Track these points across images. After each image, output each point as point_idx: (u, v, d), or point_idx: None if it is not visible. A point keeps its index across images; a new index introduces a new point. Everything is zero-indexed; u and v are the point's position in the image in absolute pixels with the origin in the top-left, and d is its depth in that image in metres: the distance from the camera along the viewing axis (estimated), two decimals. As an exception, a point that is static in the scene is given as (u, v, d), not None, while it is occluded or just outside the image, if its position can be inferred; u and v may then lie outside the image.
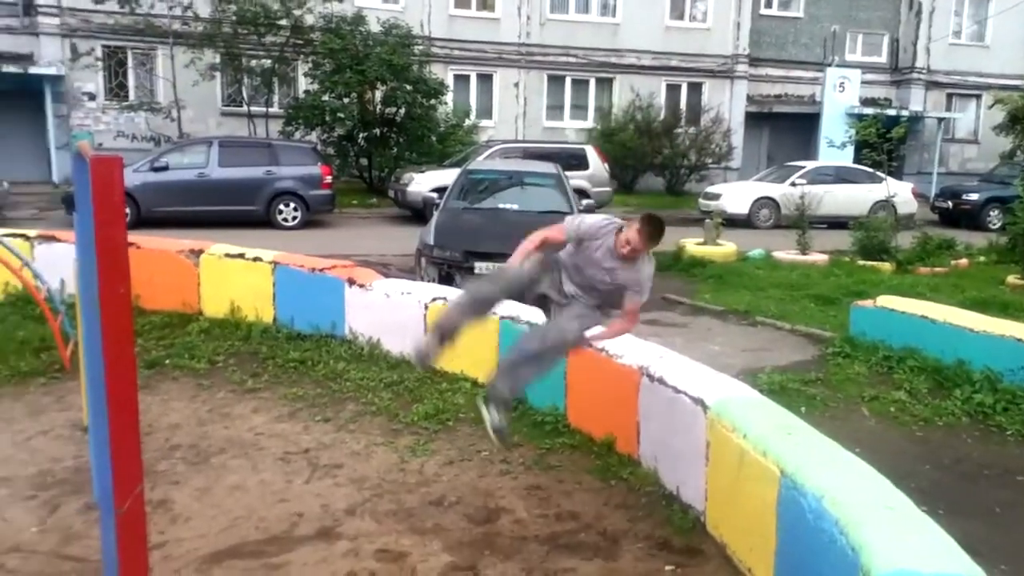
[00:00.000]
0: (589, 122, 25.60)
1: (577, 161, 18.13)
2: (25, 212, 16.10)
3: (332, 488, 4.71)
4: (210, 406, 5.95)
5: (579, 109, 26.03)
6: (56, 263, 7.38)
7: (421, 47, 21.90)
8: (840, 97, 26.09)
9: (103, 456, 3.16)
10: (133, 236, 6.35)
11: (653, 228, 4.15)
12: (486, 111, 24.96)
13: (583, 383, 5.47)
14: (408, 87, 19.94)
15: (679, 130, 24.70)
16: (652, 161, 24.29)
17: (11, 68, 20.18)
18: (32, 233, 8.61)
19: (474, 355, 6.33)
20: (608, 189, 19.29)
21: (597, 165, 18.94)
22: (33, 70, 20.44)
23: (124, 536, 2.59)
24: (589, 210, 12.16)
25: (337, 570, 3.87)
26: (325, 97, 19.73)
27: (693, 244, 12.99)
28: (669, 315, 9.52)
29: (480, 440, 5.25)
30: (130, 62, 22.11)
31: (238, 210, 15.53)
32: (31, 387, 6.18)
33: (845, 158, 21.76)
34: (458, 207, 10.69)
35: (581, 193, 14.40)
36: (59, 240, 8.25)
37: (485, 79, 25.07)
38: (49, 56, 20.88)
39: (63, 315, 6.67)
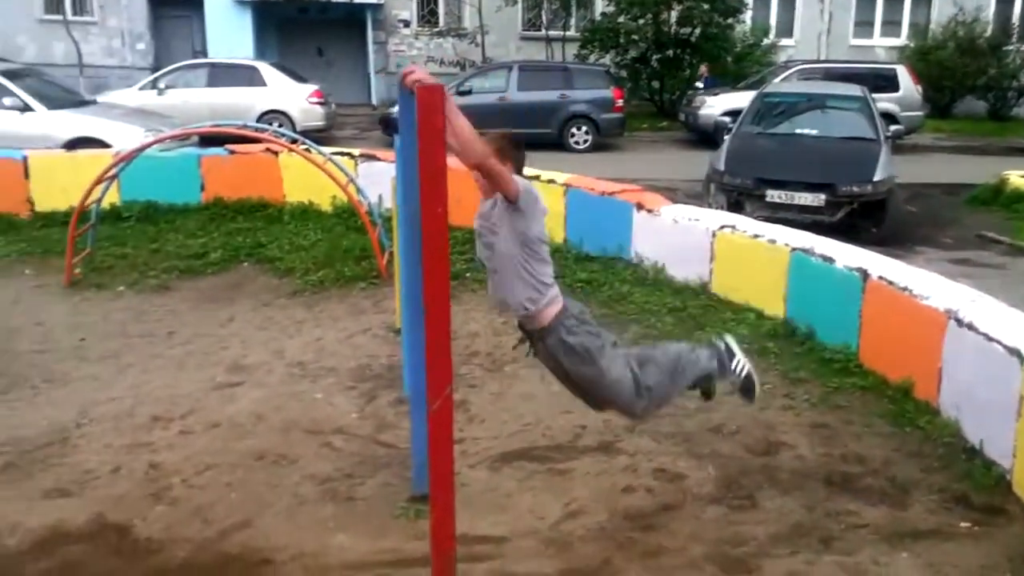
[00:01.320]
0: (902, 39, 23.39)
1: (886, 83, 16.69)
2: (348, 132, 17.78)
3: (614, 405, 4.89)
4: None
5: (891, 25, 23.83)
6: (376, 180, 8.15)
7: (721, -38, 21.04)
8: None
9: (416, 356, 3.52)
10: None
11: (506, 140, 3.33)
12: (786, 29, 23.60)
13: (880, 322, 5.18)
14: (705, 6, 19.36)
15: (1009, 47, 21.85)
16: (974, 83, 21.71)
17: (339, -1, 22.27)
18: (356, 152, 9.49)
19: (760, 284, 6.21)
20: (920, 114, 17.63)
21: (909, 87, 17.34)
22: (358, 0, 22.29)
23: (434, 430, 2.86)
24: (897, 136, 11.25)
25: (617, 482, 4.06)
26: (621, 19, 19.64)
27: (1018, 176, 11.58)
28: (984, 255, 8.68)
29: (763, 373, 5.17)
30: (441, -11, 23.41)
31: (533, 132, 16.01)
32: (353, 291, 6.95)
33: None
34: (752, 132, 10.35)
35: (889, 118, 13.35)
36: (379, 159, 9.05)
37: (788, -6, 23.64)
38: (371, -14, 22.64)
39: (380, 227, 7.38)
